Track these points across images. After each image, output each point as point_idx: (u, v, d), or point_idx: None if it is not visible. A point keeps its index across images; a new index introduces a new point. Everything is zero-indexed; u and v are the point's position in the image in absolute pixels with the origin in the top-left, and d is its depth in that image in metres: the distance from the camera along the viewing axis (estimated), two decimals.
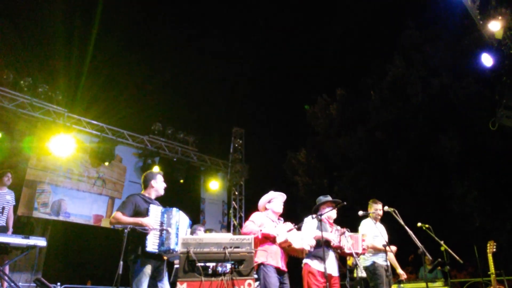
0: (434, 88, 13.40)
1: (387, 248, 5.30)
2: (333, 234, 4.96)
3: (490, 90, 11.36)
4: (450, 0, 10.61)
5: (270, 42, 18.29)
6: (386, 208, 5.58)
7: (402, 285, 7.40)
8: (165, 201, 4.67)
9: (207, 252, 3.68)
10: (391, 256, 5.90)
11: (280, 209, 4.89)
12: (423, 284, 7.24)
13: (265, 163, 16.31)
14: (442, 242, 5.38)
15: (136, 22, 16.07)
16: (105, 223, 10.49)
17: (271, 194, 4.94)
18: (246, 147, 13.84)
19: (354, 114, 15.73)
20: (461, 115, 12.49)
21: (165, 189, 4.73)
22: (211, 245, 3.71)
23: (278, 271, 4.47)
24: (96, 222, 10.42)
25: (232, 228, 13.11)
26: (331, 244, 4.90)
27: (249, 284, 3.63)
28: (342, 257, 5.43)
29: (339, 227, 5.13)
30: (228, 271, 3.65)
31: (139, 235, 4.08)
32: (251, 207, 5.10)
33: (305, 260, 4.94)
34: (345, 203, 4.84)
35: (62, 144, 9.62)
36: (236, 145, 13.73)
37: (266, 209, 4.91)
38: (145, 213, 4.21)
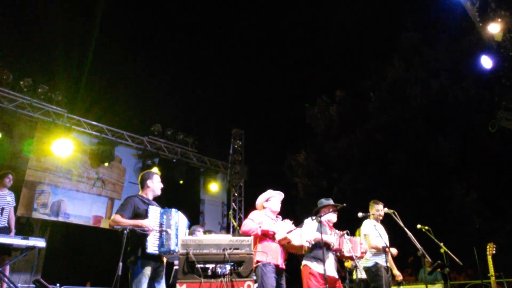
0: (433, 90, 13.41)
1: (387, 249, 5.29)
2: (333, 237, 4.96)
3: (489, 92, 11.38)
4: (449, 2, 10.63)
5: (270, 43, 18.33)
6: (385, 209, 5.58)
7: (402, 287, 7.40)
8: (165, 202, 4.64)
9: (207, 253, 3.68)
10: (389, 257, 5.89)
11: (278, 207, 4.91)
12: (423, 286, 7.24)
13: (265, 165, 16.33)
14: (441, 244, 5.38)
15: (137, 24, 16.08)
16: (104, 224, 10.47)
17: (269, 193, 4.95)
18: (246, 148, 13.85)
19: (353, 115, 15.73)
20: (461, 117, 12.50)
21: (165, 190, 4.70)
22: (211, 247, 3.71)
23: (277, 269, 4.49)
24: (96, 223, 10.41)
25: (231, 229, 13.11)
26: (331, 247, 4.90)
27: (249, 286, 3.63)
28: (339, 260, 5.42)
29: (338, 231, 5.12)
30: (227, 272, 3.65)
31: (139, 236, 4.07)
32: (251, 208, 5.08)
33: (304, 262, 4.93)
34: (344, 205, 4.83)
35: (62, 145, 9.62)
36: (236, 146, 13.73)
37: (264, 207, 4.92)
38: (144, 215, 4.19)
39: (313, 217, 4.81)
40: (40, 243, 6.00)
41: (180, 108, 16.60)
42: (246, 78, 17.96)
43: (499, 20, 8.03)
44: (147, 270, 4.05)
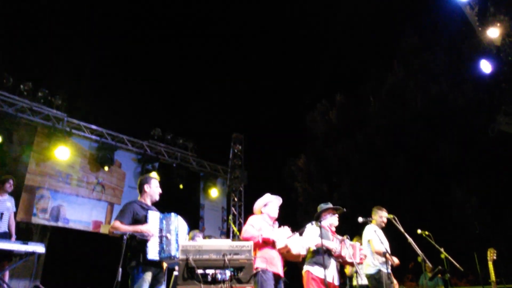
0: (433, 94, 13.43)
1: (387, 255, 5.26)
2: (334, 243, 4.94)
3: (489, 96, 11.40)
4: (449, 6, 10.67)
5: (270, 47, 18.36)
6: (386, 215, 5.57)
7: None
8: (164, 207, 4.62)
9: (207, 259, 3.66)
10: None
11: (275, 213, 4.87)
12: None
13: (265, 169, 16.31)
14: (442, 250, 5.37)
15: (136, 28, 16.13)
16: (104, 229, 10.44)
17: (267, 198, 4.92)
18: (246, 153, 13.82)
19: (353, 120, 15.74)
20: (460, 121, 12.50)
21: (165, 195, 4.67)
22: (211, 252, 3.70)
23: (276, 276, 4.46)
24: (95, 228, 10.37)
25: (231, 234, 13.07)
26: (333, 253, 4.88)
27: None
28: (340, 266, 5.40)
29: (339, 236, 5.11)
30: (227, 278, 3.63)
31: (139, 242, 4.04)
32: (251, 213, 5.06)
33: (306, 267, 4.92)
34: (345, 210, 4.82)
35: (62, 149, 9.61)
36: (236, 151, 13.71)
37: (261, 212, 4.89)
38: (143, 220, 4.17)
39: (313, 222, 4.79)
40: (40, 248, 5.98)
41: (180, 112, 16.63)
42: (246, 82, 17.99)
43: (498, 24, 8.06)
44: (148, 276, 4.03)
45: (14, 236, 6.60)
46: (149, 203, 4.48)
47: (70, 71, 13.92)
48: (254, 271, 4.12)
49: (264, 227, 4.62)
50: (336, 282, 4.93)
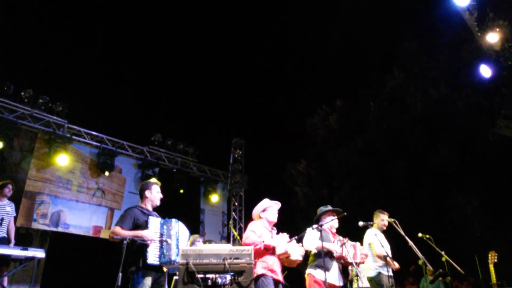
0: (433, 99, 13.45)
1: (388, 259, 5.25)
2: (335, 245, 4.94)
3: (488, 100, 11.42)
4: (448, 12, 10.72)
5: (270, 52, 18.42)
6: (387, 218, 5.57)
7: None
8: (165, 212, 4.63)
9: (207, 263, 3.65)
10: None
11: (274, 218, 4.86)
12: None
13: (265, 174, 16.30)
14: (443, 253, 5.36)
15: (137, 32, 16.19)
16: (104, 235, 10.43)
17: (266, 203, 4.91)
18: (246, 157, 13.84)
19: (353, 125, 15.75)
20: (460, 125, 12.51)
21: (165, 200, 4.68)
22: (211, 256, 3.69)
23: (276, 282, 4.46)
24: (95, 234, 10.37)
25: (232, 239, 13.05)
26: (334, 254, 4.88)
27: None
28: (344, 268, 5.39)
29: (341, 238, 5.11)
30: (227, 282, 3.63)
31: (140, 247, 4.05)
32: (251, 217, 5.07)
33: (308, 270, 4.95)
34: (345, 213, 4.82)
35: (62, 157, 9.65)
36: (236, 155, 13.73)
37: (260, 217, 4.89)
38: (144, 226, 4.18)
39: (314, 226, 4.79)
40: (40, 254, 5.97)
41: (180, 117, 16.65)
42: (246, 87, 18.03)
43: (498, 29, 8.09)
44: (148, 281, 4.03)
45: (13, 242, 6.58)
46: (150, 208, 4.50)
47: (71, 78, 13.98)
48: (255, 276, 4.12)
49: (264, 233, 4.62)
50: (340, 284, 4.93)
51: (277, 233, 4.77)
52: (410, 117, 13.81)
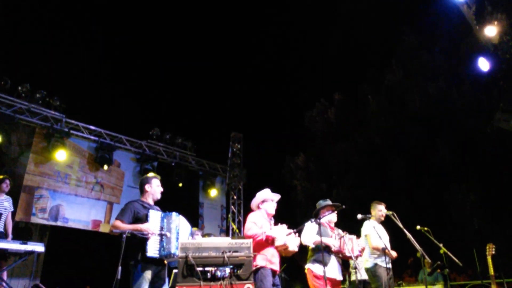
0: (431, 94, 13.45)
1: (387, 251, 5.28)
2: (333, 239, 4.97)
3: (487, 94, 11.43)
4: (446, 6, 10.70)
5: (269, 46, 18.38)
6: (384, 209, 5.59)
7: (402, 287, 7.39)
8: (163, 206, 4.65)
9: (206, 256, 3.67)
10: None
11: (273, 211, 4.90)
12: (423, 287, 7.24)
13: (264, 168, 16.34)
14: (441, 245, 5.38)
15: (134, 28, 16.12)
16: (103, 228, 10.45)
17: (266, 194, 4.92)
18: (245, 151, 13.85)
19: (352, 119, 15.77)
20: (459, 120, 12.52)
21: (164, 194, 4.68)
22: (210, 250, 3.70)
23: (273, 273, 4.53)
24: (95, 227, 10.38)
25: (231, 232, 13.09)
26: (332, 249, 4.91)
27: None
28: (345, 261, 5.43)
29: (340, 231, 5.13)
30: (227, 275, 3.64)
31: (139, 240, 4.07)
32: (250, 211, 5.09)
33: (307, 265, 4.98)
34: (344, 206, 4.84)
35: (61, 151, 9.64)
36: (235, 149, 13.73)
37: (259, 207, 4.91)
38: (144, 219, 4.20)
39: (313, 220, 4.81)
40: (39, 248, 5.98)
41: (178, 111, 16.63)
42: (245, 81, 18.00)
43: (496, 23, 8.08)
44: (148, 274, 4.04)
45: (10, 236, 6.58)
46: (151, 202, 4.52)
47: (68, 72, 13.93)
48: (254, 268, 4.15)
49: (264, 225, 4.66)
50: (339, 278, 4.97)
51: (275, 224, 4.80)
52: (409, 113, 13.83)
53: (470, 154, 12.20)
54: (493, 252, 6.26)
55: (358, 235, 5.87)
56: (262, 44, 18.25)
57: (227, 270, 3.66)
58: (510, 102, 8.22)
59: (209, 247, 3.72)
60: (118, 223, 4.12)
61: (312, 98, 17.08)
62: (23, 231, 9.32)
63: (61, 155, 9.67)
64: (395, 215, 5.24)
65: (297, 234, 4.68)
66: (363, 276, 5.94)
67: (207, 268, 3.66)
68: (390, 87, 14.69)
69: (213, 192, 13.08)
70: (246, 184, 13.81)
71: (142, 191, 4.56)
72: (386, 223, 5.75)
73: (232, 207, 13.54)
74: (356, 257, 5.02)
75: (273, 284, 4.50)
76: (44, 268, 9.36)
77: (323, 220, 4.90)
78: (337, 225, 5.44)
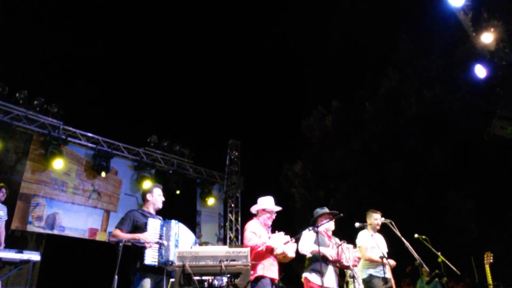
0: (428, 100, 13.49)
1: (384, 260, 5.25)
2: (330, 249, 4.94)
3: (484, 100, 11.46)
4: (443, 12, 10.76)
5: (266, 53, 18.43)
6: (382, 219, 5.56)
7: None
8: (161, 213, 4.69)
9: (203, 265, 3.64)
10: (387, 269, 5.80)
11: (270, 222, 4.90)
12: None
13: (261, 175, 16.29)
14: (439, 254, 5.37)
15: (132, 34, 16.16)
16: (100, 237, 10.39)
17: (268, 205, 4.89)
18: (242, 159, 13.84)
19: (349, 126, 15.77)
20: (456, 126, 12.54)
21: (162, 202, 4.71)
22: (207, 258, 3.67)
23: (272, 281, 4.52)
24: (91, 236, 10.32)
25: (228, 240, 13.03)
26: (329, 258, 4.87)
27: None
28: (341, 271, 5.39)
29: (338, 240, 5.11)
30: (224, 284, 3.62)
31: (138, 249, 4.09)
32: (247, 219, 5.08)
33: (304, 274, 4.96)
34: (342, 214, 4.81)
35: (58, 160, 9.60)
36: (232, 157, 13.72)
37: (258, 213, 4.90)
38: (143, 228, 4.24)
39: (311, 228, 4.79)
40: (35, 256, 5.95)
41: (176, 119, 16.62)
42: (242, 88, 18.03)
43: (492, 29, 8.12)
44: (146, 283, 4.05)
45: (3, 244, 6.52)
46: (152, 211, 4.57)
47: (66, 79, 13.92)
48: (253, 277, 4.13)
49: (263, 234, 4.68)
50: (336, 287, 4.94)
51: (272, 231, 4.80)
52: (406, 118, 13.84)
53: (467, 159, 12.20)
54: (491, 261, 6.24)
55: (355, 241, 5.85)
56: (260, 53, 18.31)
57: (225, 279, 3.64)
58: (507, 109, 8.24)
59: (207, 255, 3.69)
60: (118, 232, 4.16)
61: (309, 105, 17.13)
62: (18, 240, 9.24)
63: (58, 163, 9.64)
64: (393, 223, 5.22)
65: (294, 241, 4.66)
66: (361, 285, 5.90)
67: (204, 277, 3.63)
68: (387, 92, 14.72)
69: (211, 200, 13.04)
70: (243, 192, 13.78)
71: (144, 200, 4.63)
72: (384, 231, 5.73)
73: (230, 215, 13.49)
74: (351, 267, 5.00)
75: None
76: (40, 278, 9.27)
77: (320, 229, 4.88)
78: (335, 232, 5.42)
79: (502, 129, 8.16)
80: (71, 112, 10.69)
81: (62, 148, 9.86)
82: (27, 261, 5.89)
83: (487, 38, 8.21)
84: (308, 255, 4.90)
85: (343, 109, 16.31)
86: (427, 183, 12.77)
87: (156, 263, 4.07)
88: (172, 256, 4.04)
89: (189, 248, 4.36)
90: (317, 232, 4.64)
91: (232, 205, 13.61)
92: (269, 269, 4.48)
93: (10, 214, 7.04)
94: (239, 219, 13.40)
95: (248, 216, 5.02)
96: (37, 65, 12.94)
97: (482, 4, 8.24)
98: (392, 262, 5.57)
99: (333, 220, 5.16)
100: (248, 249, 3.88)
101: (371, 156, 14.37)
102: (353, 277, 5.34)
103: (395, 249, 5.87)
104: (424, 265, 4.94)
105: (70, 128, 10.37)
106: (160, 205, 4.62)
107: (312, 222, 5.21)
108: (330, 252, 4.89)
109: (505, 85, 8.50)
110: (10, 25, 12.44)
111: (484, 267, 6.29)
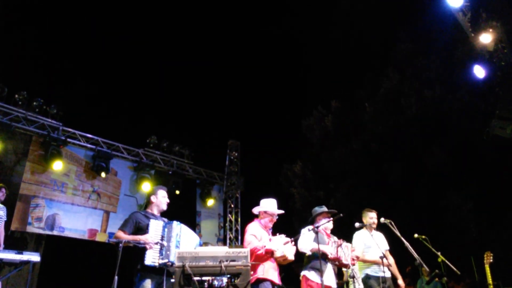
0: (428, 100, 13.50)
1: (384, 260, 5.24)
2: (330, 246, 4.94)
3: (483, 101, 11.48)
4: (442, 13, 10.78)
5: (266, 54, 18.44)
6: (382, 219, 5.55)
7: None
8: (161, 214, 4.67)
9: (203, 266, 3.63)
10: (393, 266, 5.76)
11: (270, 225, 4.88)
12: None
13: (261, 175, 16.29)
14: (439, 253, 5.36)
15: (131, 35, 16.16)
16: (100, 238, 10.38)
17: (270, 207, 4.86)
18: (242, 159, 13.83)
19: (349, 126, 15.79)
20: (455, 126, 12.56)
21: (166, 204, 4.72)
22: (207, 259, 3.66)
23: (273, 284, 4.50)
24: (91, 237, 10.31)
25: (228, 241, 13.03)
26: (328, 256, 4.88)
27: None
28: (339, 271, 5.40)
29: (336, 238, 5.11)
30: (224, 285, 3.61)
31: (140, 249, 4.11)
32: (247, 219, 5.07)
33: (303, 272, 4.95)
34: (341, 215, 4.81)
35: (58, 162, 9.60)
36: (232, 157, 13.71)
37: (260, 214, 4.89)
38: (145, 229, 4.26)
39: (310, 227, 4.79)
40: (35, 257, 5.94)
41: (175, 119, 16.63)
42: (242, 89, 18.04)
43: (491, 30, 8.14)
44: (147, 283, 4.06)
45: (2, 245, 6.51)
46: (156, 213, 4.59)
47: (65, 80, 13.93)
48: (254, 279, 4.13)
49: (264, 236, 4.67)
50: (335, 286, 4.93)
51: (273, 233, 4.78)
52: (406, 118, 13.85)
53: (466, 159, 12.21)
54: (491, 260, 6.24)
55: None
56: (259, 53, 18.32)
57: (225, 279, 3.63)
58: (506, 109, 8.25)
59: (206, 256, 3.68)
60: (120, 234, 4.20)
61: (309, 106, 17.14)
62: (18, 241, 9.25)
63: (57, 165, 9.64)
64: (392, 223, 5.21)
65: (294, 242, 4.66)
66: (361, 285, 5.91)
67: (204, 278, 3.62)
68: (387, 93, 14.73)
69: (210, 201, 13.03)
70: (243, 192, 13.77)
71: (148, 202, 4.65)
72: (384, 231, 5.73)
73: (230, 215, 13.49)
74: (352, 264, 5.00)
75: None
76: (39, 278, 9.28)
77: (319, 228, 4.88)
78: (335, 232, 5.42)
79: (501, 129, 8.18)
80: (70, 113, 10.70)
81: (61, 149, 9.86)
82: (26, 262, 5.88)
83: (486, 38, 8.23)
84: (308, 253, 4.90)
85: (343, 109, 16.33)
86: (427, 183, 12.78)
87: (157, 264, 4.07)
88: (173, 257, 4.04)
89: (193, 247, 4.37)
90: (317, 232, 4.64)
91: (232, 206, 13.61)
92: (269, 271, 4.47)
93: (10, 215, 7.04)
94: (239, 219, 13.40)
95: (247, 217, 5.03)
96: (36, 66, 12.95)
97: (480, 5, 8.26)
98: (391, 260, 5.58)
99: (333, 219, 5.16)
100: (248, 249, 3.87)
101: (371, 156, 14.38)
102: (353, 277, 5.33)
103: (395, 249, 5.88)
104: (424, 265, 4.93)
105: (70, 129, 10.37)
106: (164, 207, 4.64)
107: (311, 221, 5.21)
108: (329, 249, 4.89)
109: (504, 85, 8.52)
110: (10, 26, 12.44)
111: (484, 267, 6.29)
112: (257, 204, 4.99)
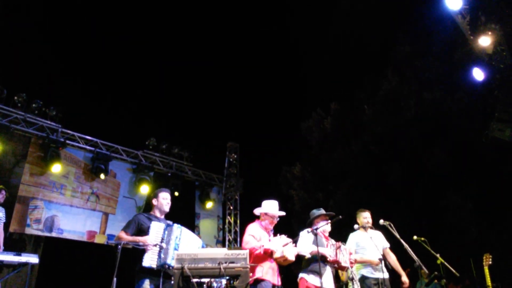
0: (427, 102, 13.52)
1: (378, 260, 5.22)
2: (329, 249, 4.93)
3: (482, 103, 11.49)
4: (441, 15, 10.81)
5: (265, 56, 18.46)
6: (381, 221, 5.54)
7: None
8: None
9: (202, 267, 3.62)
10: (395, 263, 5.73)
11: (271, 227, 4.87)
12: None
13: (260, 177, 16.29)
14: (438, 255, 5.36)
15: (131, 36, 16.18)
16: (98, 239, 10.36)
17: (272, 209, 4.85)
18: (241, 161, 13.82)
19: (348, 128, 15.80)
20: (455, 127, 12.58)
21: (168, 205, 4.73)
22: (206, 261, 3.66)
23: (272, 286, 4.49)
24: (90, 239, 10.29)
25: (227, 243, 13.01)
26: (328, 259, 4.87)
27: None
28: (336, 272, 5.39)
29: (334, 241, 5.10)
30: (223, 286, 3.61)
31: (140, 251, 4.14)
32: (246, 221, 5.07)
33: (301, 275, 4.92)
34: (340, 217, 4.81)
35: (56, 165, 9.59)
36: (231, 159, 13.70)
37: (261, 216, 4.89)
38: (146, 231, 4.30)
39: (309, 230, 4.78)
40: (33, 259, 5.93)
41: (175, 121, 16.63)
42: (241, 91, 18.05)
43: (490, 33, 8.16)
44: (146, 285, 4.09)
45: (1, 247, 6.50)
46: (159, 215, 4.63)
47: (64, 82, 13.92)
48: (252, 280, 4.12)
49: (263, 237, 4.66)
50: None
51: (274, 234, 4.77)
52: (405, 119, 13.87)
53: (466, 161, 12.22)
54: (490, 262, 6.24)
55: None
56: (259, 55, 18.34)
57: (223, 281, 3.63)
58: (504, 111, 8.26)
59: (205, 258, 3.67)
60: (122, 235, 4.26)
61: (308, 108, 17.15)
62: (17, 243, 9.21)
63: (56, 167, 9.64)
64: (391, 225, 5.21)
65: (294, 244, 4.65)
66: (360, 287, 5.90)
67: (203, 280, 3.62)
68: (386, 95, 14.75)
69: (209, 203, 13.01)
70: (242, 194, 13.76)
71: (150, 205, 4.72)
72: (383, 232, 5.72)
73: (229, 217, 13.47)
74: (351, 266, 5.00)
75: None
76: (38, 280, 9.24)
77: (318, 230, 4.87)
78: (334, 233, 5.41)
79: (500, 132, 8.19)
80: (69, 115, 10.70)
81: (60, 151, 9.85)
82: (25, 264, 5.86)
83: (485, 41, 8.25)
84: (307, 256, 4.89)
85: (342, 111, 16.35)
86: (427, 183, 12.79)
87: (155, 266, 4.09)
88: (170, 259, 4.05)
89: (193, 249, 4.36)
90: (315, 234, 4.64)
91: (231, 208, 13.59)
92: (268, 272, 4.46)
93: (8, 216, 7.02)
94: (238, 221, 13.38)
95: (247, 219, 5.03)
96: (35, 68, 12.94)
97: (479, 8, 8.27)
98: (393, 257, 5.56)
99: (331, 221, 5.15)
100: (247, 251, 3.86)
101: (370, 157, 14.39)
102: (352, 279, 5.32)
103: (394, 251, 5.87)
104: (423, 267, 4.94)
105: (69, 131, 10.37)
106: (166, 209, 4.66)
107: (309, 224, 5.21)
108: (328, 252, 4.89)
109: (503, 88, 8.53)
110: (9, 28, 12.44)
111: (483, 269, 6.29)
112: (256, 206, 4.99)
